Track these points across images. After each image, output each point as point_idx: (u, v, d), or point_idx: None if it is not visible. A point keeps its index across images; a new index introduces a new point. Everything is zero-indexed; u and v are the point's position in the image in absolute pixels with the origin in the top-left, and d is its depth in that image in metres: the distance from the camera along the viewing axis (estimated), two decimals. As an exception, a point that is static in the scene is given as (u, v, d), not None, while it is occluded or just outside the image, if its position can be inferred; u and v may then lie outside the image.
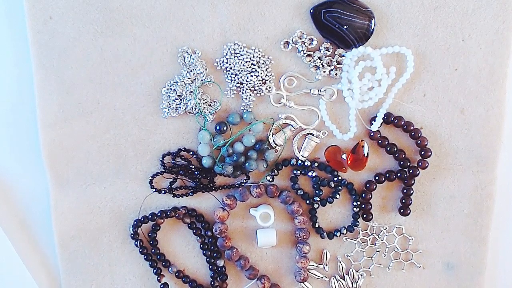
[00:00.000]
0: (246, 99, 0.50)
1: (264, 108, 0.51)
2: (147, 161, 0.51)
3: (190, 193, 0.52)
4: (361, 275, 0.55)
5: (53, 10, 0.48)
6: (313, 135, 0.51)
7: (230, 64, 0.49)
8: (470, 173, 0.52)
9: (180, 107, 0.50)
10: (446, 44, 0.49)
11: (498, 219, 0.55)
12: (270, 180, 0.52)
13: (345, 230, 0.53)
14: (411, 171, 0.51)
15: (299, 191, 0.52)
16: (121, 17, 0.48)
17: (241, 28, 0.49)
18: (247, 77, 0.49)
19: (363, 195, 0.52)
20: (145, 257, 0.52)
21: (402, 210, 0.52)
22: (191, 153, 0.51)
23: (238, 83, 0.50)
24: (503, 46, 0.49)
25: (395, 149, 0.51)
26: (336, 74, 0.50)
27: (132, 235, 0.52)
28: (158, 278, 0.53)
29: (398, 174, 0.51)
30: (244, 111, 0.50)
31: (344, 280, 0.55)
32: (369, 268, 0.55)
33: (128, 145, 0.51)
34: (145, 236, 0.53)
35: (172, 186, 0.51)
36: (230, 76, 0.50)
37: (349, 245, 0.54)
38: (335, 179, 0.51)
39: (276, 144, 0.51)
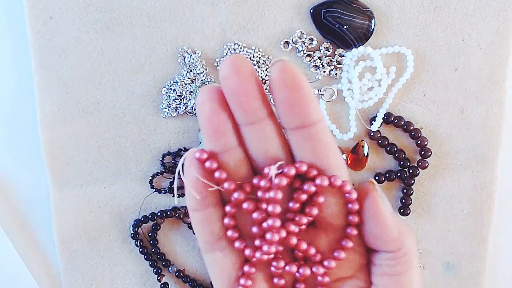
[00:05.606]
0: (246, 99, 0.50)
1: (264, 108, 0.51)
2: (147, 161, 0.51)
3: (190, 193, 0.51)
4: (361, 275, 0.55)
5: (53, 10, 0.48)
6: (313, 135, 0.51)
7: (230, 64, 0.49)
8: (470, 173, 0.52)
9: (180, 107, 0.50)
10: (446, 44, 0.49)
11: (498, 219, 0.55)
12: (270, 180, 0.52)
13: (345, 230, 0.53)
14: (411, 171, 0.51)
15: (299, 191, 0.52)
16: (121, 17, 0.48)
17: (241, 28, 0.49)
18: (247, 77, 0.49)
19: (363, 195, 0.52)
20: (145, 257, 0.52)
21: (402, 210, 0.52)
22: (191, 153, 0.51)
23: (238, 83, 0.50)
24: (503, 46, 0.49)
25: (395, 149, 0.51)
26: (336, 74, 0.50)
27: (132, 235, 0.52)
28: (158, 278, 0.53)
29: (398, 174, 0.51)
30: (244, 111, 0.50)
31: (344, 280, 0.55)
32: (369, 268, 0.55)
33: (128, 145, 0.51)
34: (145, 236, 0.53)
35: (172, 186, 0.51)
36: (230, 76, 0.49)
37: (349, 245, 0.54)
38: (335, 179, 0.51)
39: (276, 144, 0.51)
